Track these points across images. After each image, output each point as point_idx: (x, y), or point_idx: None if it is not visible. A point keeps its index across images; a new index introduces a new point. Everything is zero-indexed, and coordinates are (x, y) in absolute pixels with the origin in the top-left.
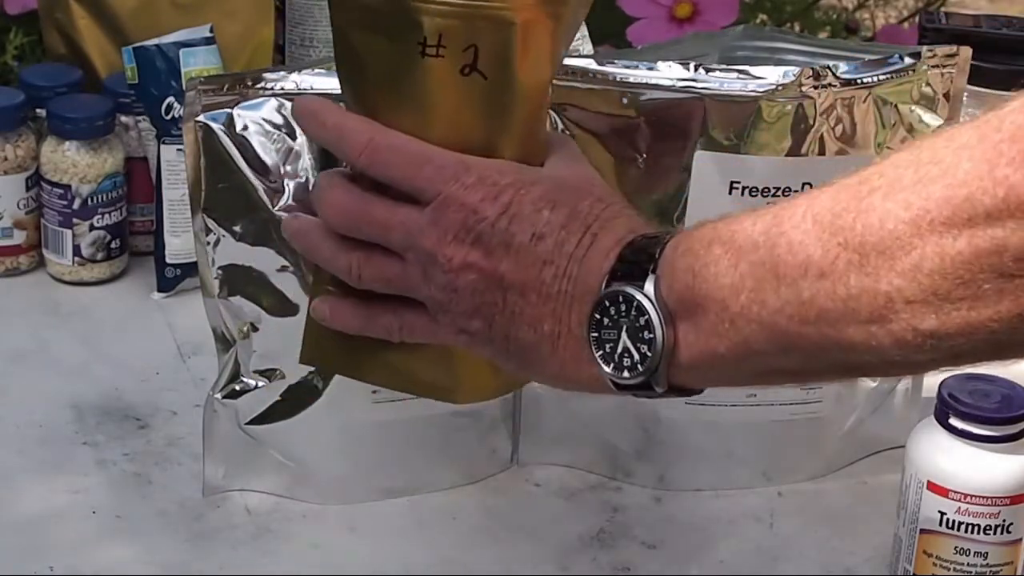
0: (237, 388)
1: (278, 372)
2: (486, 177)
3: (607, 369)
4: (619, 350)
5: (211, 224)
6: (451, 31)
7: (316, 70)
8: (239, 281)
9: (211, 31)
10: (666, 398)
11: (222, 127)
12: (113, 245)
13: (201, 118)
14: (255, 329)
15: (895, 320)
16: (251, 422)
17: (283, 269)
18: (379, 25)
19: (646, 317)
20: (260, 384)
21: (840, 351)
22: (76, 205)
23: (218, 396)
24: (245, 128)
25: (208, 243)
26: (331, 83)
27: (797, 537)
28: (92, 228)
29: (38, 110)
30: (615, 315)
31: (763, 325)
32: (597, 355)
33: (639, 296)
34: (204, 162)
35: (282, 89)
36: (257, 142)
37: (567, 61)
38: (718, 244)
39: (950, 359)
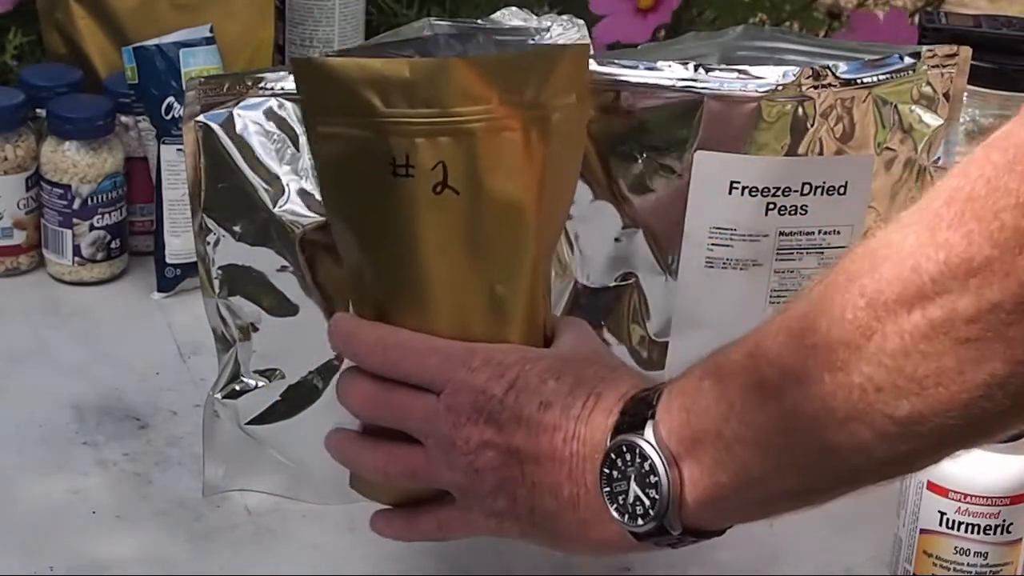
0: (237, 388)
1: (278, 372)
2: (491, 358)
3: (623, 520)
4: (631, 499)
5: (211, 224)
6: (417, 150)
7: None
8: (239, 281)
9: (211, 31)
10: (691, 544)
11: (222, 127)
12: (113, 245)
13: (201, 118)
14: (255, 329)
15: (871, 412)
16: (251, 422)
17: (283, 269)
18: (353, 150)
19: (650, 462)
20: (260, 384)
21: (830, 458)
22: (76, 205)
23: (218, 396)
24: (245, 128)
25: (208, 243)
26: None
27: (797, 537)
28: (92, 228)
29: (38, 110)
30: (622, 466)
31: (757, 446)
32: (612, 508)
33: (641, 443)
34: (204, 162)
35: (282, 89)
36: (257, 142)
37: None
38: (707, 378)
39: (937, 447)
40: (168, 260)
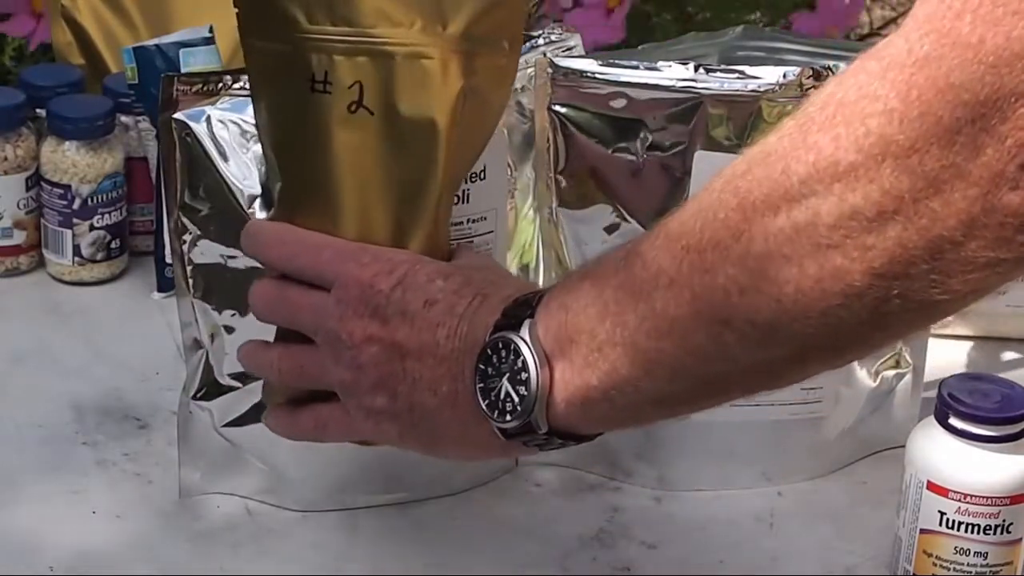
0: (212, 390)
1: (253, 375)
2: (381, 255)
3: (492, 416)
4: (502, 396)
5: (187, 223)
6: (336, 68)
7: None
8: (214, 281)
9: (211, 31)
10: (559, 447)
11: (200, 125)
12: (113, 245)
13: (179, 115)
14: (230, 331)
15: (734, 316)
16: (228, 425)
17: (258, 270)
18: (277, 64)
19: (522, 359)
20: (235, 387)
21: (695, 363)
22: (76, 205)
23: (192, 399)
24: (223, 128)
25: (184, 242)
26: None
27: (797, 537)
28: (92, 228)
29: (38, 110)
30: (497, 363)
31: (626, 347)
32: (484, 404)
33: (516, 339)
34: (180, 160)
35: None
36: (235, 142)
37: (566, 63)
38: (587, 278)
39: (798, 357)
40: (168, 260)
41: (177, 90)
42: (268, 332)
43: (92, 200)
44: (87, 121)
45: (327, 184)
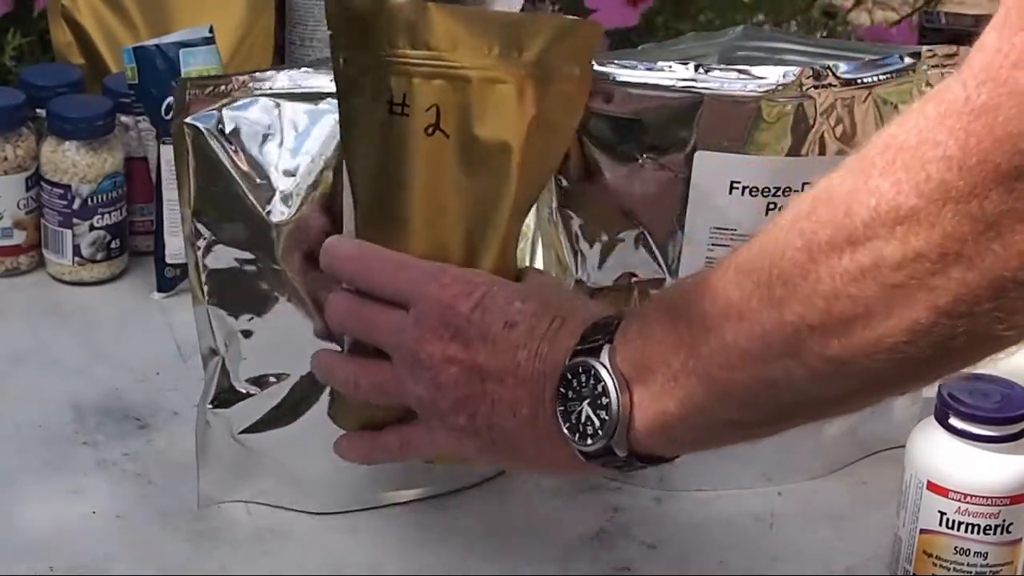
0: (229, 397)
1: (270, 379)
2: (461, 277)
3: (573, 439)
4: (583, 419)
5: (201, 228)
6: (414, 91)
7: (304, 69)
8: (229, 286)
9: (211, 31)
10: (638, 470)
11: (211, 129)
12: (113, 245)
13: (190, 120)
14: (246, 336)
15: (804, 350)
16: (244, 431)
17: (274, 273)
18: (360, 84)
19: (603, 384)
20: (252, 392)
21: (767, 393)
22: (76, 205)
23: (209, 406)
24: (235, 130)
25: (198, 248)
26: (318, 81)
27: (797, 537)
28: (92, 228)
29: (38, 110)
30: (577, 387)
31: (700, 378)
32: (564, 427)
33: (596, 365)
34: (193, 165)
35: (270, 89)
36: (248, 144)
37: None
38: (663, 308)
39: (868, 389)
40: (168, 260)
41: (189, 94)
42: (286, 332)
43: (92, 200)
44: (87, 121)
45: (402, 205)
